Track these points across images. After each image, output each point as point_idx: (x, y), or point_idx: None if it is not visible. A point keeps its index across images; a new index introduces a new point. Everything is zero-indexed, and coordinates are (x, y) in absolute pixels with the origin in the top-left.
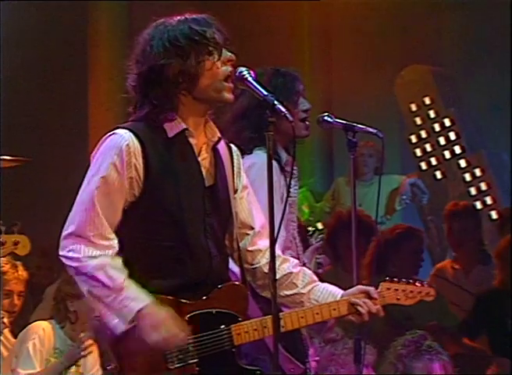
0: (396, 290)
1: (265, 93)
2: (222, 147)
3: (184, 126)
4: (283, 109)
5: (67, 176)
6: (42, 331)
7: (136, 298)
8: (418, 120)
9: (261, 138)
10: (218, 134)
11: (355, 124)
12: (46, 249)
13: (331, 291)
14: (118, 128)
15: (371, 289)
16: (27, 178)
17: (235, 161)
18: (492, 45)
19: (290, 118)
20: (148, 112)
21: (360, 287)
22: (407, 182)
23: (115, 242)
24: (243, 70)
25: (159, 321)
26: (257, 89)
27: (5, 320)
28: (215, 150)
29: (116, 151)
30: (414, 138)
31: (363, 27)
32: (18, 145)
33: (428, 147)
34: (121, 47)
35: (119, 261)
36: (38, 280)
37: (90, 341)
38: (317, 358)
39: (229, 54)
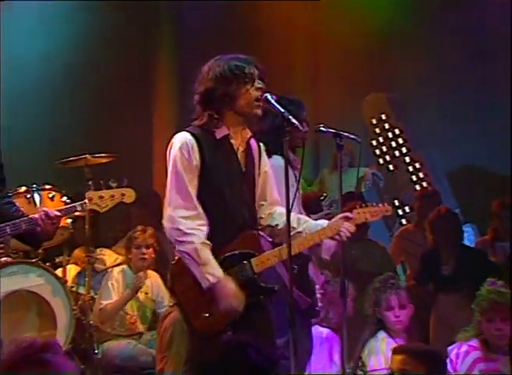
0: (365, 212)
1: (283, 110)
2: (253, 144)
3: (227, 132)
4: (295, 122)
5: (134, 173)
6: (117, 274)
7: (214, 272)
8: (377, 130)
9: (276, 144)
10: (250, 134)
11: (341, 132)
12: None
13: (318, 223)
14: (181, 131)
15: (348, 213)
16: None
17: (262, 153)
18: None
19: (300, 127)
20: (205, 121)
21: (339, 215)
22: (369, 172)
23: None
24: (268, 95)
25: (231, 294)
26: (278, 108)
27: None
28: (248, 146)
29: (182, 147)
30: (374, 142)
31: (342, 63)
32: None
33: (384, 148)
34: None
35: (204, 237)
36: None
37: (143, 274)
38: (321, 291)
39: (260, 84)
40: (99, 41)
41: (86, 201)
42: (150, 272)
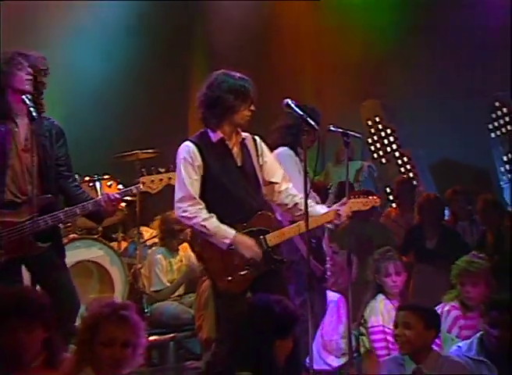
0: (358, 202)
1: (301, 113)
2: (248, 142)
3: (221, 135)
4: (312, 123)
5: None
6: (159, 260)
7: (226, 234)
8: (372, 130)
9: (288, 140)
10: (243, 136)
11: (348, 131)
12: None
13: (323, 207)
14: (185, 140)
15: (345, 201)
16: None
17: (258, 146)
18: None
19: (316, 127)
20: (203, 131)
21: (338, 203)
22: (366, 165)
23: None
24: (289, 101)
25: (250, 244)
26: (297, 111)
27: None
28: (243, 145)
29: (185, 154)
30: (369, 140)
31: (342, 74)
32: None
33: (377, 145)
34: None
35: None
36: None
37: (195, 267)
38: (331, 262)
39: (253, 107)
40: (148, 56)
41: (140, 184)
42: (184, 244)
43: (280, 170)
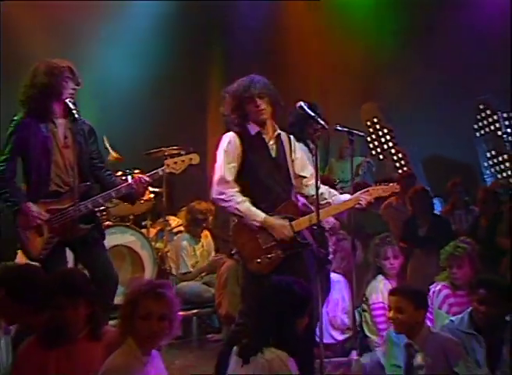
0: (378, 189)
1: (313, 114)
2: (283, 137)
3: (258, 129)
4: (322, 122)
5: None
6: (184, 246)
7: (256, 217)
8: (371, 130)
9: (299, 136)
10: (278, 131)
11: (353, 130)
12: None
13: (345, 196)
14: (228, 131)
15: (365, 190)
16: None
17: (292, 143)
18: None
19: (326, 126)
20: (237, 122)
21: (360, 191)
22: (365, 160)
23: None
24: (302, 103)
25: (279, 226)
26: (309, 113)
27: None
28: (278, 140)
29: (227, 142)
30: (368, 139)
31: (344, 81)
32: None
33: (376, 143)
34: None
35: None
36: None
37: (218, 259)
38: (334, 247)
39: (258, 101)
40: (171, 60)
41: (164, 167)
42: (205, 232)
43: (309, 167)
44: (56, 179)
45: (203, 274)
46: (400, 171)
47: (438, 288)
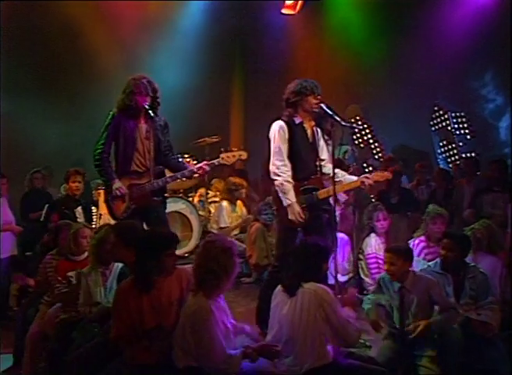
0: (378, 175)
1: (331, 113)
2: (315, 127)
3: (301, 120)
4: (339, 119)
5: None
6: (225, 207)
7: (287, 200)
8: (354, 125)
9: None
10: (313, 124)
11: (349, 124)
12: None
13: (351, 177)
14: (277, 120)
15: (369, 175)
16: None
17: (319, 133)
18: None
19: (342, 123)
20: (288, 114)
21: (364, 175)
22: (350, 148)
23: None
24: (323, 105)
25: (296, 212)
26: (329, 113)
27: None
28: (313, 130)
29: (279, 128)
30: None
31: (331, 86)
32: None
33: (358, 135)
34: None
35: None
36: None
37: (249, 218)
38: (339, 213)
39: (317, 96)
40: (204, 71)
41: (220, 159)
42: (239, 201)
43: (327, 153)
44: (137, 161)
45: (236, 232)
46: (376, 156)
47: (416, 242)
